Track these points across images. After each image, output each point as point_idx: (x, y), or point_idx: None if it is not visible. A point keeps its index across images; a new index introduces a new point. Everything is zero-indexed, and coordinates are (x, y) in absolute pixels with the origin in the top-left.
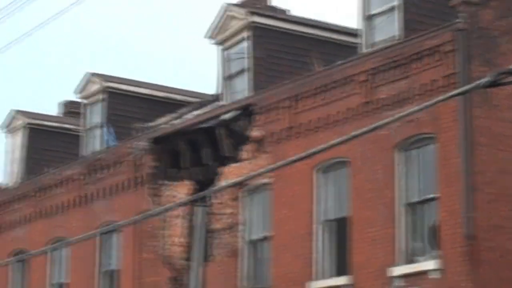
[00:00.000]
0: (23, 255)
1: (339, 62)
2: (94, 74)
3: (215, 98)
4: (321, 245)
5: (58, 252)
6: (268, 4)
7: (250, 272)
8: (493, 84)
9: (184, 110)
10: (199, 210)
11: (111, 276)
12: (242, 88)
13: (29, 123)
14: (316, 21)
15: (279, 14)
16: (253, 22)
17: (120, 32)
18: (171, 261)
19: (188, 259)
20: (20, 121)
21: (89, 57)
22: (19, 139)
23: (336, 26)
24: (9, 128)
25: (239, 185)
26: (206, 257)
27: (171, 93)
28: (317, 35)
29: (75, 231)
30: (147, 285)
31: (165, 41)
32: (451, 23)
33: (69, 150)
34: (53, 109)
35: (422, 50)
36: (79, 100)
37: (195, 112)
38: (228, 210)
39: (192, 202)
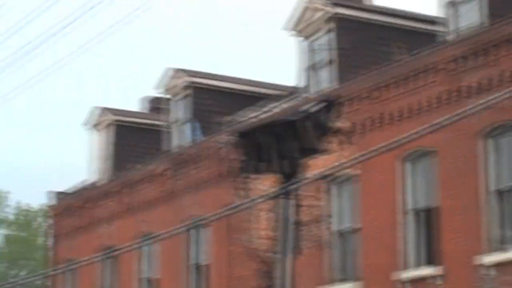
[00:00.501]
0: (112, 250)
1: (423, 50)
2: (176, 69)
3: (296, 90)
4: (408, 235)
5: (146, 247)
6: None
7: (337, 264)
8: None
9: (265, 103)
10: (284, 203)
11: (200, 270)
12: (324, 79)
13: (113, 120)
14: (396, 10)
15: (359, 4)
16: (335, 13)
17: (197, 26)
18: (258, 254)
19: (275, 252)
20: (105, 118)
21: (169, 53)
22: (104, 136)
23: (417, 14)
24: (94, 125)
25: (325, 177)
26: (293, 250)
27: (254, 86)
28: (398, 24)
29: (161, 226)
30: (235, 278)
31: (243, 34)
32: None
33: (154, 145)
34: (135, 106)
35: (510, 36)
36: (161, 95)
37: (278, 105)
38: (314, 202)
39: (277, 195)
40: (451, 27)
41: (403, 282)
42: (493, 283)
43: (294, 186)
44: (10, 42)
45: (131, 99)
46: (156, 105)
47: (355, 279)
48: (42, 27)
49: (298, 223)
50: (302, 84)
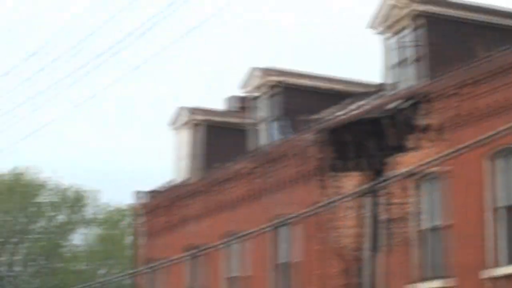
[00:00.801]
0: (201, 249)
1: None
2: (258, 69)
3: (380, 88)
4: (499, 232)
5: (230, 247)
6: None
7: (423, 262)
8: None
9: (349, 101)
10: (369, 201)
11: (287, 268)
12: (411, 76)
13: (200, 120)
14: (486, 5)
15: (442, 1)
16: (419, 10)
17: (279, 25)
18: (343, 252)
19: (360, 250)
20: (191, 118)
21: (254, 51)
22: (190, 135)
23: (505, 10)
24: (180, 125)
25: (414, 174)
26: (378, 248)
27: (340, 84)
28: (486, 20)
29: (248, 225)
30: (323, 277)
31: (326, 32)
32: None
33: (240, 144)
34: (219, 105)
35: None
36: (247, 94)
37: (361, 103)
38: (399, 200)
39: (365, 193)
40: None
41: (494, 280)
42: None
43: (382, 184)
44: (98, 42)
45: (217, 99)
46: (242, 104)
47: (445, 276)
48: (127, 26)
49: (386, 221)
50: (388, 81)
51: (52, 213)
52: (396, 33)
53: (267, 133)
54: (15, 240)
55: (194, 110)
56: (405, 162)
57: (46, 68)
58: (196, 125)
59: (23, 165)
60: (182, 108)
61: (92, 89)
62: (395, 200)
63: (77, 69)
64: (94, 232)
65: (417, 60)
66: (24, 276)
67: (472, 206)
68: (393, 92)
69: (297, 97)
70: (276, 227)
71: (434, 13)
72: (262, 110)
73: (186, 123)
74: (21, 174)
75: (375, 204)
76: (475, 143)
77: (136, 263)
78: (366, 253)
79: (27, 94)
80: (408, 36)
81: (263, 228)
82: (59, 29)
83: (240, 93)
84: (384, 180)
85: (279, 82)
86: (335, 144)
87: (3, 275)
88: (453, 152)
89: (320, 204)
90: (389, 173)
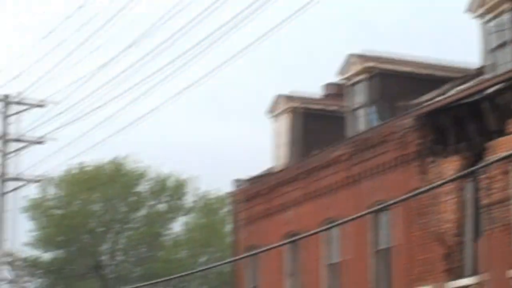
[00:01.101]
0: (300, 236)
1: None
2: (355, 55)
3: (479, 72)
4: None
5: (330, 233)
6: None
7: None
8: None
9: (447, 86)
10: (469, 186)
11: (384, 254)
12: (508, 59)
13: (293, 107)
14: None
15: None
16: None
17: (376, 10)
18: (443, 237)
19: (460, 235)
20: (285, 106)
21: (349, 38)
22: (284, 123)
23: None
24: (278, 112)
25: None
26: (480, 232)
27: (434, 69)
28: None
29: (344, 212)
30: (420, 262)
31: (423, 16)
32: None
33: (334, 131)
34: (316, 92)
35: None
36: (343, 81)
37: (459, 88)
38: (499, 184)
39: (461, 178)
40: None
41: None
42: None
43: (482, 168)
44: (195, 31)
45: (314, 86)
46: (340, 91)
47: None
48: (224, 16)
49: (487, 205)
50: (487, 65)
51: (152, 202)
52: (495, 16)
53: (365, 119)
54: (116, 229)
55: (292, 98)
56: (505, 146)
57: (145, 57)
58: (294, 112)
59: (123, 155)
60: (280, 96)
61: (190, 77)
62: (496, 184)
63: (175, 58)
64: (194, 220)
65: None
66: (126, 265)
67: None
68: (492, 75)
69: (395, 83)
70: (372, 212)
71: None
72: (360, 96)
73: (284, 111)
74: (122, 163)
75: (476, 189)
76: None
77: (236, 250)
78: (467, 238)
79: (127, 84)
80: (507, 19)
81: (363, 214)
82: (157, 19)
83: (338, 79)
84: (485, 165)
85: (377, 68)
86: (434, 129)
87: (105, 264)
88: None
89: (420, 190)
90: (489, 157)
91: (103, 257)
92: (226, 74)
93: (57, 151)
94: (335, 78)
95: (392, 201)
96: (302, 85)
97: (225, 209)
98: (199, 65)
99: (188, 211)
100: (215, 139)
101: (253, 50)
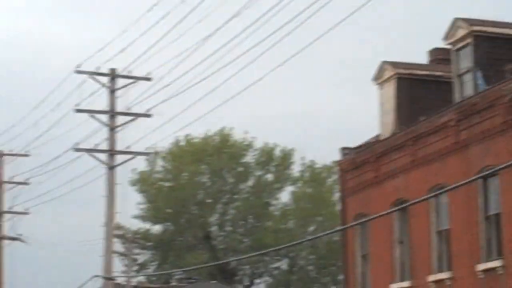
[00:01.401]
0: (408, 203)
1: None
2: (461, 19)
3: None
4: None
5: (438, 199)
6: None
7: None
8: None
9: None
10: None
11: (494, 220)
12: None
13: (399, 73)
14: None
15: None
16: None
17: None
18: None
19: None
20: (391, 72)
21: (454, 2)
22: (390, 90)
23: None
24: (381, 80)
25: None
26: None
27: None
28: None
29: (453, 178)
30: None
31: None
32: None
33: (440, 97)
34: (422, 58)
35: None
36: (447, 46)
37: None
38: None
39: None
40: None
41: None
42: None
43: None
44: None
45: (419, 52)
46: (444, 56)
47: None
48: None
49: None
50: None
51: (260, 172)
52: None
53: (472, 84)
54: (224, 200)
55: (397, 64)
56: None
57: (248, 29)
58: (400, 79)
59: (229, 127)
60: (385, 63)
61: (295, 48)
62: None
63: (278, 28)
64: (301, 189)
65: None
66: (235, 235)
67: None
68: None
69: (502, 46)
70: (485, 178)
71: None
72: (466, 61)
73: (389, 78)
74: (228, 135)
75: None
76: None
77: (344, 219)
78: None
79: (231, 55)
80: None
81: (472, 180)
82: None
83: (443, 44)
84: None
85: (478, 32)
86: None
87: (214, 235)
88: None
89: None
90: None
91: (212, 229)
92: (331, 44)
93: (164, 124)
94: (440, 43)
95: (501, 166)
96: (408, 52)
97: (332, 178)
98: (302, 36)
99: (295, 181)
100: (320, 109)
101: (358, 17)
